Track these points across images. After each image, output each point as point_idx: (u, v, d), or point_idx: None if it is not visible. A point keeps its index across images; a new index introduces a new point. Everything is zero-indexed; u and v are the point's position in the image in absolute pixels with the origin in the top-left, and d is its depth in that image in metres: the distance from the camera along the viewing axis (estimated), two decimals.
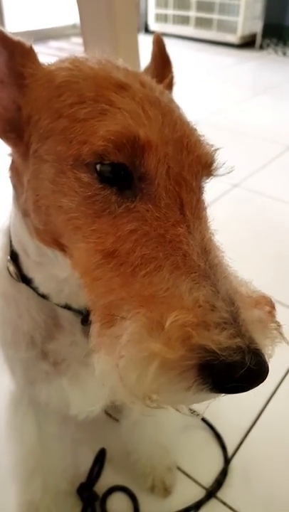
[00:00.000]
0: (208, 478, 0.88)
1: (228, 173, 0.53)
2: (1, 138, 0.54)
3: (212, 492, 0.86)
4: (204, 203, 0.49)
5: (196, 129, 0.51)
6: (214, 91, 3.25)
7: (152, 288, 0.40)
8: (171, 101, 0.51)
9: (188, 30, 4.64)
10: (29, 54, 0.52)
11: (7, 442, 0.79)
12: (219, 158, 0.52)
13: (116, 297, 0.42)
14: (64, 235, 0.49)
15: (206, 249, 0.43)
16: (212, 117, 2.69)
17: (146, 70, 0.64)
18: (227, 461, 0.91)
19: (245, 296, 0.41)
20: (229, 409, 0.98)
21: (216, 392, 0.37)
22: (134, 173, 0.45)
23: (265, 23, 4.34)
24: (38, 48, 0.54)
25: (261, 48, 4.47)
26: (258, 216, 1.76)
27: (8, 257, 0.60)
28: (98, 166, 0.44)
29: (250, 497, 0.86)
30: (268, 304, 0.43)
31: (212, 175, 0.51)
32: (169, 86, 0.63)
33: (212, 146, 0.51)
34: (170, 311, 0.37)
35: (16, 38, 0.52)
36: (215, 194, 1.86)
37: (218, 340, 0.36)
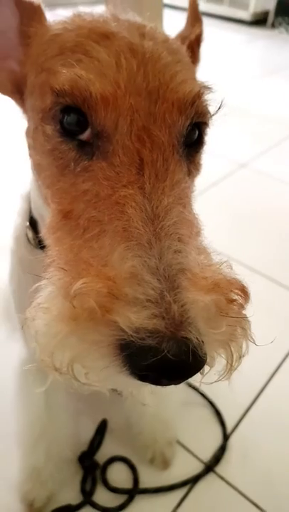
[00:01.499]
0: (207, 453, 0.90)
1: (219, 108, 0.48)
2: (12, 99, 0.54)
3: (210, 467, 0.87)
4: (178, 164, 0.43)
5: (190, 78, 0.45)
6: (222, 69, 3.18)
7: (90, 253, 0.36)
8: (170, 52, 0.46)
9: (199, 5, 4.52)
10: (35, 13, 0.50)
11: (15, 408, 0.80)
12: (209, 95, 0.45)
13: (62, 261, 0.38)
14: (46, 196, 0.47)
15: (159, 217, 0.38)
16: (218, 96, 2.64)
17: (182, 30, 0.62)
18: (226, 437, 0.92)
19: (198, 277, 0.35)
20: (230, 387, 0.99)
21: (137, 379, 0.33)
22: (91, 127, 0.41)
23: (279, 1, 4.23)
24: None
25: (273, 26, 4.36)
26: (264, 198, 1.75)
27: (27, 223, 0.59)
28: (60, 116, 0.42)
29: (248, 473, 0.87)
30: (236, 291, 0.37)
31: (200, 117, 0.45)
32: (196, 42, 0.60)
33: (200, 84, 0.45)
34: (82, 278, 0.34)
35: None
36: (221, 173, 1.84)
37: (132, 317, 0.32)
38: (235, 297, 0.37)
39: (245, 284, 0.38)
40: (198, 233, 0.41)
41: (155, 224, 0.37)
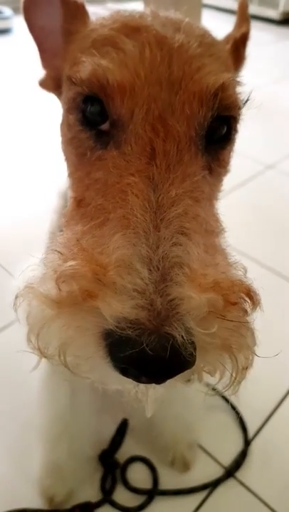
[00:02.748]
0: (227, 458, 0.89)
1: (247, 100, 0.46)
2: (54, 95, 0.56)
3: (231, 472, 0.86)
4: (194, 157, 0.41)
5: (218, 70, 0.44)
6: (250, 68, 3.13)
7: (90, 240, 0.36)
8: (202, 45, 0.45)
9: (228, 3, 4.47)
10: (78, 12, 0.51)
11: (39, 403, 0.80)
12: (237, 87, 0.44)
13: (61, 245, 0.37)
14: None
15: (162, 207, 0.37)
16: (246, 95, 2.61)
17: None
18: (247, 442, 0.91)
19: (197, 273, 0.33)
20: (253, 392, 0.98)
21: (119, 373, 0.32)
22: (109, 115, 0.41)
23: None
24: (95, 10, 0.53)
25: None
26: None
27: (64, 219, 0.59)
28: (83, 106, 0.43)
29: (269, 480, 0.86)
30: (240, 294, 0.35)
31: (225, 110, 0.44)
32: (241, 41, 0.60)
33: (228, 76, 0.43)
34: (69, 261, 0.33)
35: None
36: (247, 174, 1.81)
37: (114, 306, 0.30)
38: (238, 300, 0.34)
39: (253, 288, 0.36)
40: (212, 231, 0.40)
41: (157, 214, 0.36)
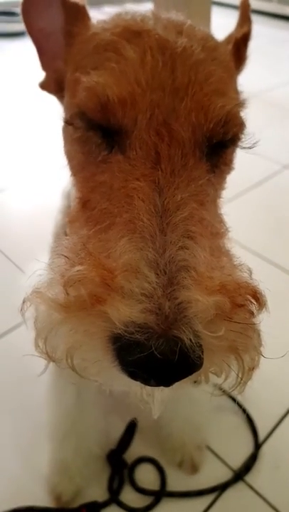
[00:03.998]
0: (237, 461, 0.87)
1: (253, 145, 0.46)
2: (55, 97, 0.56)
3: (240, 475, 0.85)
4: (199, 161, 0.41)
5: (225, 87, 0.43)
6: (269, 66, 3.10)
7: (96, 244, 0.36)
8: (205, 49, 0.44)
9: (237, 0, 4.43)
10: (79, 13, 0.51)
11: (47, 402, 0.80)
12: (243, 119, 0.44)
13: (67, 249, 0.37)
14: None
15: (168, 211, 0.37)
16: (265, 93, 2.58)
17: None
18: (257, 446, 0.90)
19: (203, 276, 0.33)
20: (264, 394, 0.96)
21: (128, 376, 0.32)
22: (110, 126, 0.41)
23: None
24: (91, 14, 0.53)
25: None
26: None
27: (67, 220, 0.59)
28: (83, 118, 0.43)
29: (279, 484, 0.85)
30: (247, 296, 0.35)
31: (229, 138, 0.44)
32: (242, 41, 0.58)
33: (236, 102, 0.43)
34: (77, 266, 0.33)
35: (73, 0, 0.51)
36: (263, 174, 1.79)
37: (123, 310, 0.30)
38: (244, 302, 0.34)
39: (259, 290, 0.36)
40: (217, 234, 0.40)
41: (163, 218, 0.36)
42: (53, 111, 0.55)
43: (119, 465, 0.84)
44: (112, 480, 0.83)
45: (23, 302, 0.36)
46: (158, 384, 0.32)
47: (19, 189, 1.65)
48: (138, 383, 0.33)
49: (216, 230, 0.40)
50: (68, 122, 0.46)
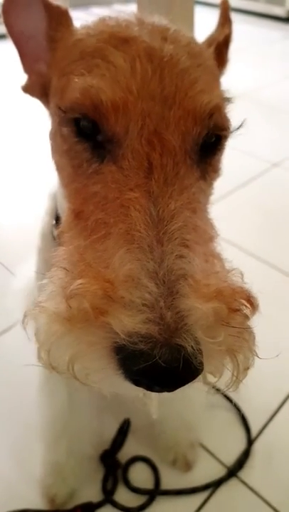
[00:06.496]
0: (230, 457, 0.88)
1: (236, 129, 0.47)
2: (40, 102, 0.56)
3: (233, 471, 0.85)
4: (190, 169, 0.42)
5: (209, 87, 0.44)
6: (257, 66, 3.12)
7: (94, 255, 0.36)
8: (191, 56, 0.45)
9: (234, 1, 4.46)
10: (62, 18, 0.51)
11: (38, 404, 0.80)
12: (226, 110, 0.45)
13: (66, 261, 0.38)
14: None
15: (164, 220, 0.37)
16: (253, 93, 2.59)
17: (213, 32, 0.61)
18: (250, 442, 0.90)
19: (200, 283, 0.35)
20: (256, 391, 0.97)
21: (132, 384, 0.33)
22: (102, 133, 0.42)
23: None
24: (78, 14, 0.54)
25: None
26: None
27: (54, 222, 0.59)
28: (74, 121, 0.43)
29: (272, 480, 0.85)
30: (241, 301, 0.36)
31: (218, 130, 0.44)
32: (224, 43, 0.59)
33: (220, 95, 0.44)
34: (80, 279, 0.33)
35: (55, 3, 0.51)
36: (253, 173, 1.80)
37: (125, 321, 0.31)
38: (240, 307, 0.36)
39: (252, 294, 0.37)
40: (209, 239, 0.40)
41: (159, 228, 0.37)
42: (37, 114, 0.54)
43: (112, 465, 0.84)
44: (106, 480, 0.83)
45: (25, 316, 0.37)
46: (161, 390, 0.33)
47: (6, 192, 1.65)
48: (140, 389, 0.34)
49: (208, 236, 0.41)
50: (58, 127, 0.46)
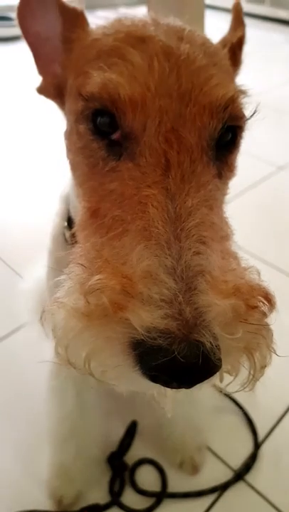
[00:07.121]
0: (237, 461, 0.88)
1: (254, 113, 0.47)
2: (55, 103, 0.56)
3: (240, 475, 0.85)
4: (207, 167, 0.42)
5: (225, 81, 0.44)
6: (261, 69, 3.12)
7: (111, 252, 0.36)
8: (207, 55, 0.45)
9: (231, 3, 4.45)
10: (77, 19, 0.51)
11: (46, 405, 0.80)
12: (245, 99, 0.45)
13: (83, 258, 0.38)
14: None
15: (181, 217, 0.37)
16: (258, 96, 2.59)
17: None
18: (257, 445, 0.90)
19: (218, 280, 0.35)
20: (263, 394, 0.97)
21: (148, 380, 0.32)
22: (121, 129, 0.42)
23: None
24: None
25: None
26: None
27: (65, 223, 0.59)
28: (92, 117, 0.43)
29: (279, 483, 0.85)
30: (259, 298, 0.36)
31: (234, 121, 0.45)
32: (237, 45, 0.59)
33: (235, 88, 0.44)
34: (98, 274, 0.33)
35: (71, 5, 0.52)
36: (258, 176, 1.80)
37: (144, 316, 0.31)
38: (257, 304, 0.36)
39: (270, 291, 0.37)
40: (225, 237, 0.41)
41: (176, 224, 0.37)
42: (51, 115, 0.55)
43: (119, 467, 0.84)
44: (113, 482, 0.83)
45: (43, 312, 0.37)
46: (179, 386, 0.33)
47: (13, 194, 1.66)
48: (157, 386, 0.34)
49: (224, 233, 0.41)
50: (74, 126, 0.46)
